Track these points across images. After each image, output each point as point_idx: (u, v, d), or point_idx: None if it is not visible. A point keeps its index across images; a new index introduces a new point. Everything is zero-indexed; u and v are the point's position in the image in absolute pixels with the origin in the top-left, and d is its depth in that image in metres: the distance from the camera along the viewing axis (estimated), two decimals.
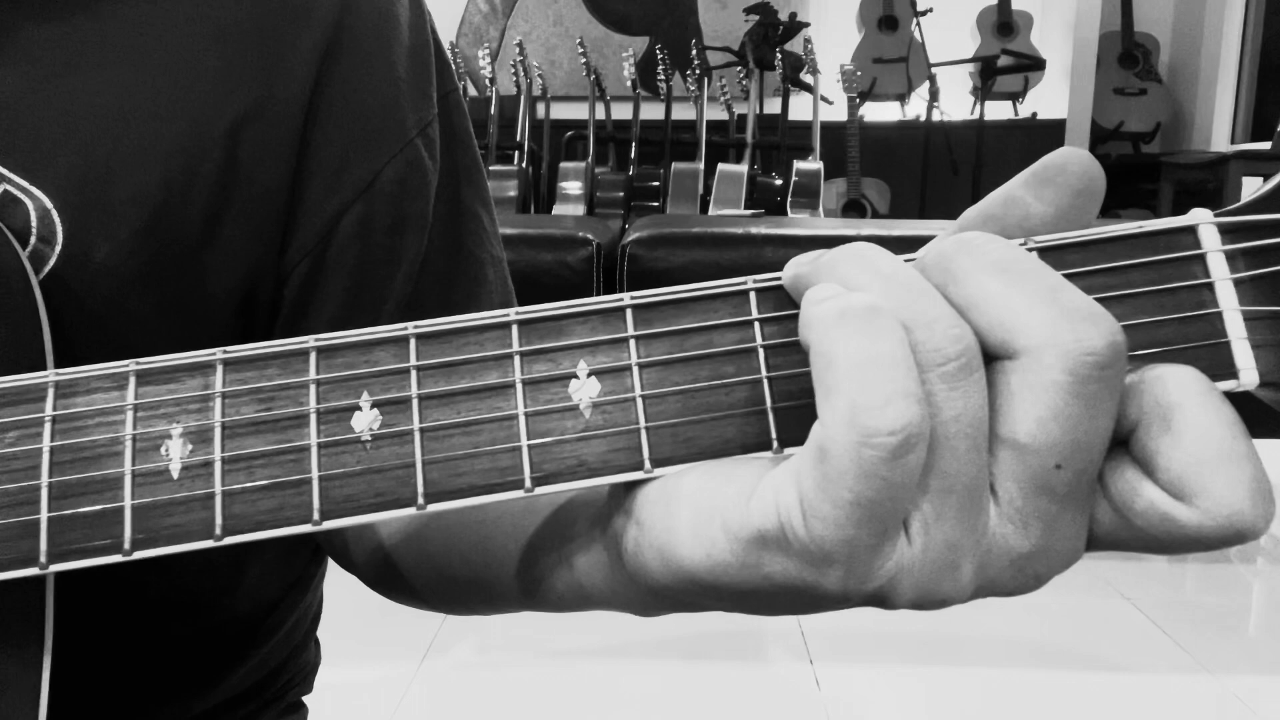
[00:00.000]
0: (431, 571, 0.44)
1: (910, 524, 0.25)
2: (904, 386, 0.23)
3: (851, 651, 1.77)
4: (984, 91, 4.40)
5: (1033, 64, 4.51)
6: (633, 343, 0.27)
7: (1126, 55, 4.80)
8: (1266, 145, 3.95)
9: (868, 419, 0.23)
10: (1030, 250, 0.26)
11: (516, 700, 1.66)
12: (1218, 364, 0.25)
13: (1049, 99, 4.68)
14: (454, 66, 0.54)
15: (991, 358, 0.24)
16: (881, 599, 0.26)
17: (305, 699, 0.61)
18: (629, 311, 0.27)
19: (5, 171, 0.41)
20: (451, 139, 0.52)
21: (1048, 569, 0.25)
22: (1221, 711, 1.62)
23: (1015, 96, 4.64)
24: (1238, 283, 0.25)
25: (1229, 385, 0.25)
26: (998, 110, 4.61)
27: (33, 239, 0.41)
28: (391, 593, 0.48)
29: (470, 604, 0.43)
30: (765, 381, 0.27)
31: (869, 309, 0.24)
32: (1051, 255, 0.26)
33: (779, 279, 0.27)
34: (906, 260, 0.26)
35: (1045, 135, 4.64)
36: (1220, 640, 1.84)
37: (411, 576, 0.45)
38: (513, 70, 3.99)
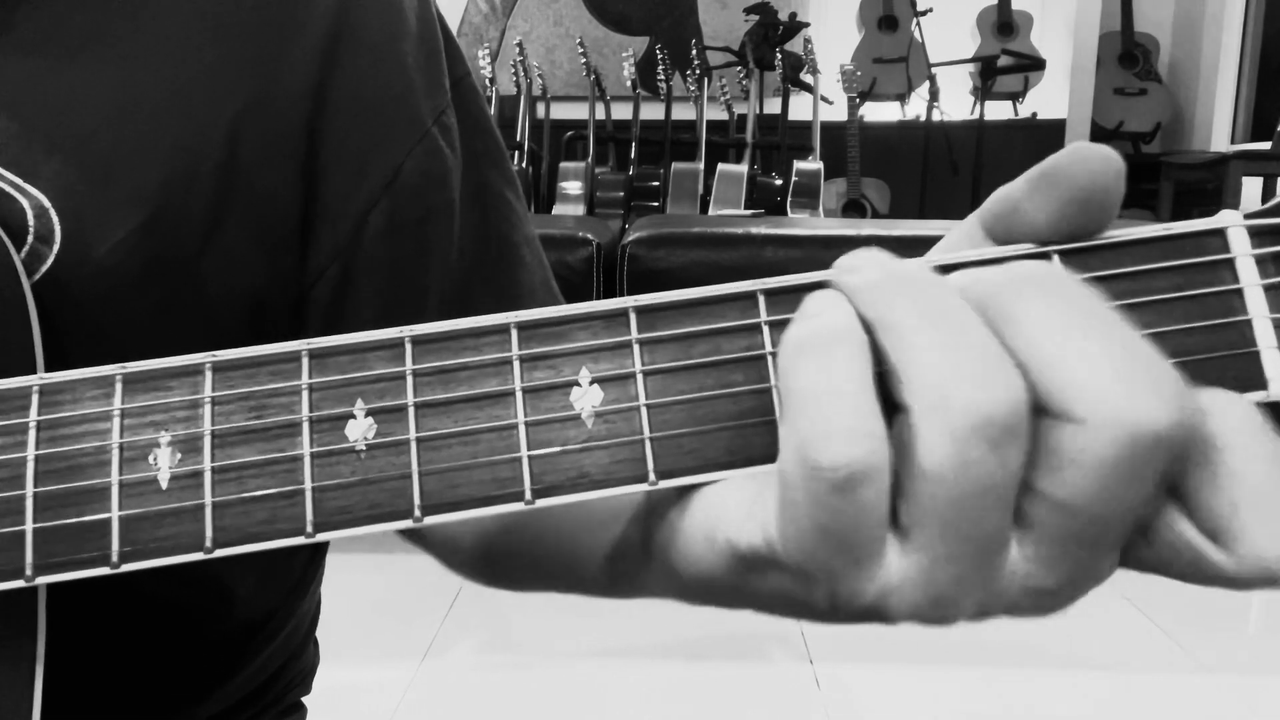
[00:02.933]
0: (525, 569, 0.44)
1: (917, 554, 0.24)
2: (851, 422, 0.22)
3: (851, 651, 1.76)
4: (984, 91, 4.40)
5: (1033, 64, 4.51)
6: (636, 349, 0.26)
7: (1126, 55, 4.80)
8: (1266, 145, 3.94)
9: (811, 452, 0.23)
10: (1056, 252, 0.25)
11: (516, 700, 1.66)
12: (1246, 374, 0.24)
13: (1049, 99, 4.67)
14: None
15: (1042, 411, 0.23)
16: (877, 617, 0.25)
17: (304, 699, 0.60)
18: (632, 316, 0.26)
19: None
20: (469, 125, 0.51)
21: (1068, 600, 0.24)
22: (1221, 711, 1.62)
23: (1015, 96, 4.64)
24: (1268, 289, 0.24)
25: (1258, 396, 0.24)
26: (998, 110, 4.61)
27: (30, 238, 0.40)
28: (481, 582, 0.48)
29: (564, 591, 0.43)
30: (774, 391, 0.26)
31: (830, 337, 0.23)
32: (1073, 259, 0.25)
33: (787, 282, 0.26)
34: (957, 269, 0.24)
35: (1045, 135, 4.63)
36: (1220, 640, 1.84)
37: (505, 572, 0.45)
38: (513, 70, 3.98)
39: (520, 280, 0.51)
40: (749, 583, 0.26)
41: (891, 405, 0.23)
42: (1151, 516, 0.23)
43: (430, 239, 0.48)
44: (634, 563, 0.32)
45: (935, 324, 0.23)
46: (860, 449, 0.22)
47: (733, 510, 0.26)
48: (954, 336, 0.23)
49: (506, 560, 0.44)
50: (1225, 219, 0.25)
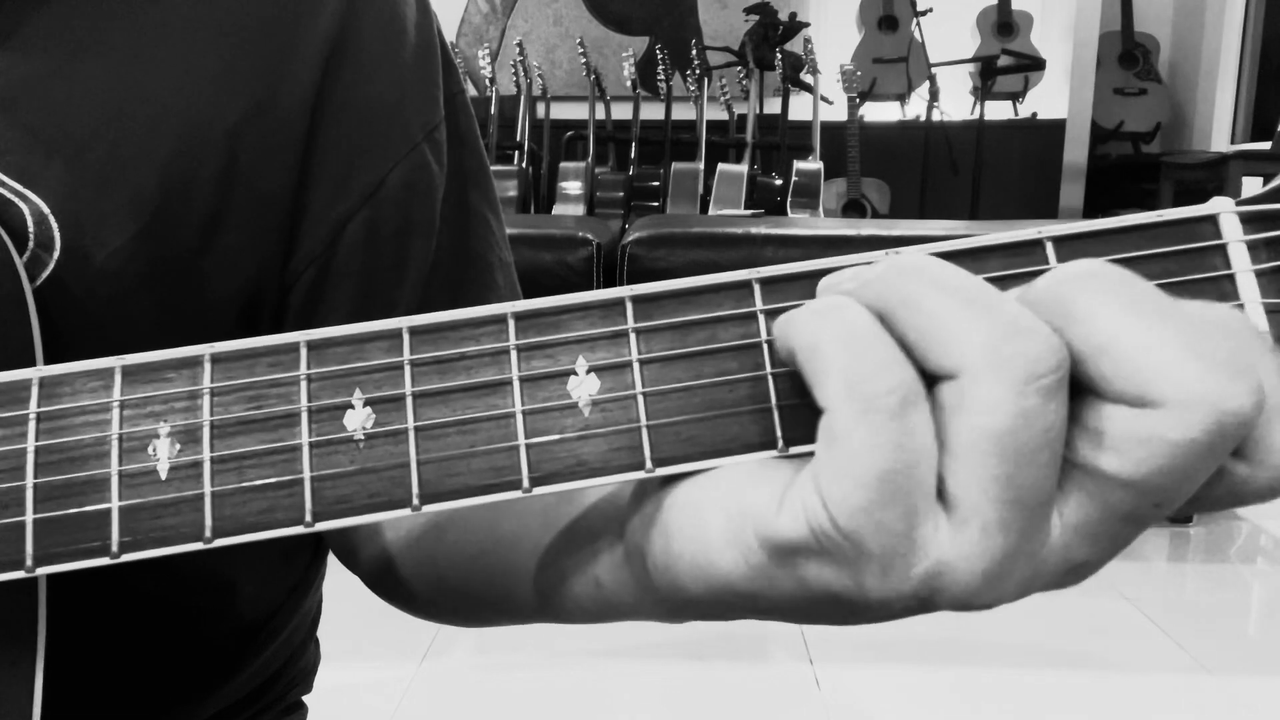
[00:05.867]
0: (435, 579, 0.43)
1: (967, 523, 0.24)
2: (890, 354, 0.24)
3: (851, 651, 1.76)
4: (984, 91, 4.40)
5: (1033, 64, 4.51)
6: (633, 337, 0.26)
7: (1126, 55, 4.80)
8: (1266, 145, 3.94)
9: (865, 385, 0.23)
10: (1049, 239, 0.25)
11: (516, 700, 1.66)
12: None
13: (1049, 99, 4.67)
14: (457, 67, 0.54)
15: (1108, 397, 0.23)
16: (925, 600, 0.25)
17: (305, 698, 0.60)
18: (629, 305, 0.26)
19: None
20: (458, 142, 0.51)
21: (1094, 571, 0.25)
22: (1221, 711, 1.62)
23: (1015, 96, 4.64)
24: (1259, 274, 0.25)
25: None
26: (998, 110, 4.61)
27: (30, 243, 0.40)
28: (392, 598, 0.47)
29: (478, 615, 0.42)
30: (770, 378, 0.26)
31: (838, 300, 0.25)
32: (1068, 245, 0.25)
33: (782, 271, 0.26)
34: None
35: (1045, 135, 4.64)
36: (1220, 640, 1.84)
37: (412, 582, 0.44)
38: (513, 70, 3.99)
39: (488, 303, 0.51)
40: (770, 582, 0.26)
41: None
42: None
43: (407, 253, 0.48)
44: (600, 580, 0.31)
45: (958, 291, 0.24)
46: (909, 371, 0.23)
47: (761, 505, 0.25)
48: (982, 297, 0.23)
49: (410, 574, 0.44)
50: (1217, 205, 0.25)
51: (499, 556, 0.38)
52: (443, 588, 0.43)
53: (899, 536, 0.24)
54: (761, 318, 0.26)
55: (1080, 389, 0.23)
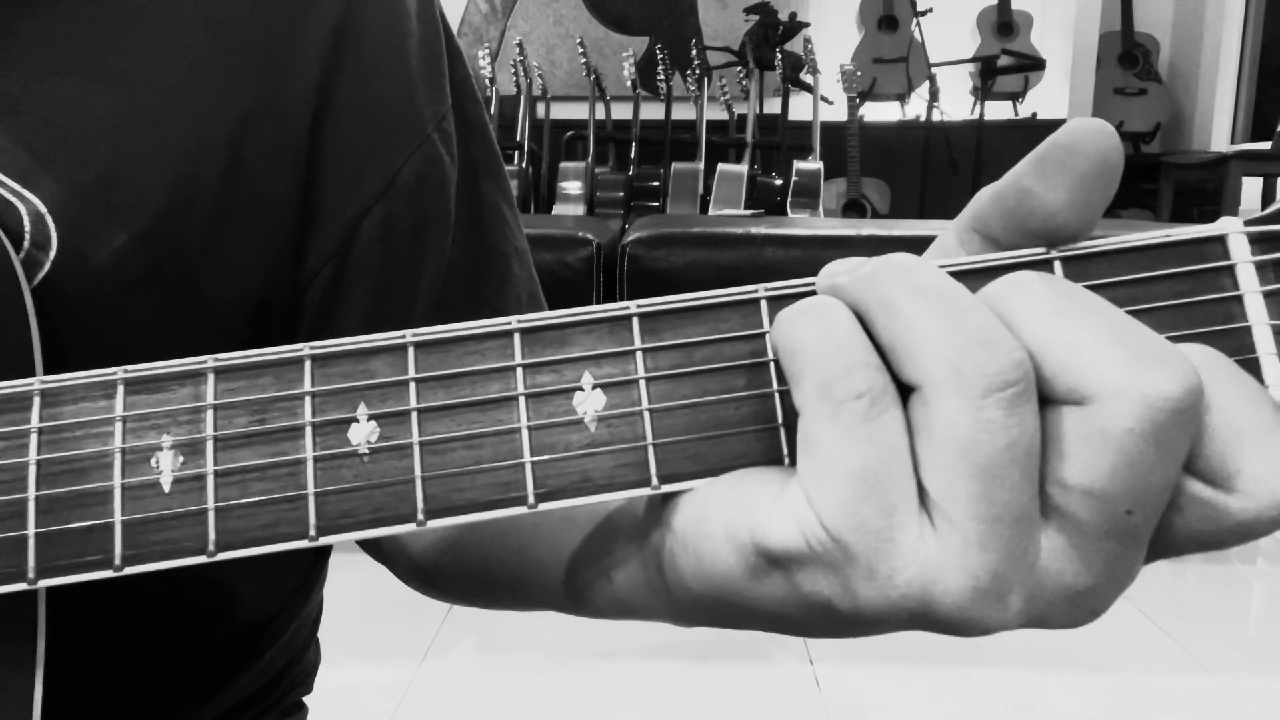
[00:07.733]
0: (471, 579, 0.43)
1: (949, 536, 0.24)
2: (862, 357, 0.24)
3: (851, 651, 1.76)
4: (984, 91, 4.39)
5: (1033, 64, 4.51)
6: (639, 354, 0.26)
7: (1126, 55, 4.80)
8: (1266, 145, 3.94)
9: (835, 388, 0.24)
10: (1057, 259, 0.25)
11: (516, 700, 1.66)
12: None
13: (1049, 99, 4.67)
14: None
15: (1057, 402, 0.23)
16: (918, 613, 0.24)
17: (305, 699, 0.60)
18: (635, 321, 0.26)
19: None
20: (466, 131, 0.51)
21: (1104, 602, 0.25)
22: (1221, 711, 1.62)
23: (1015, 96, 4.64)
24: (1267, 295, 0.25)
25: None
26: (998, 110, 4.60)
27: (26, 243, 0.40)
28: (430, 592, 0.48)
29: (510, 606, 0.43)
30: (776, 396, 0.26)
31: (822, 301, 0.25)
32: (1075, 265, 0.25)
33: (791, 287, 0.26)
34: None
35: (1045, 135, 4.56)
36: (1220, 640, 1.84)
37: (453, 582, 0.45)
38: (513, 70, 3.98)
39: (507, 295, 0.51)
40: (767, 586, 0.26)
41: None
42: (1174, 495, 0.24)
43: (424, 248, 0.48)
44: (614, 579, 0.32)
45: (931, 298, 0.24)
46: (879, 376, 0.24)
47: (758, 509, 0.25)
48: (952, 307, 0.23)
49: (449, 575, 0.44)
50: (1225, 226, 0.25)
51: (520, 550, 0.39)
52: (473, 583, 0.43)
53: (879, 536, 0.24)
54: (769, 337, 0.26)
55: (1043, 404, 0.23)
